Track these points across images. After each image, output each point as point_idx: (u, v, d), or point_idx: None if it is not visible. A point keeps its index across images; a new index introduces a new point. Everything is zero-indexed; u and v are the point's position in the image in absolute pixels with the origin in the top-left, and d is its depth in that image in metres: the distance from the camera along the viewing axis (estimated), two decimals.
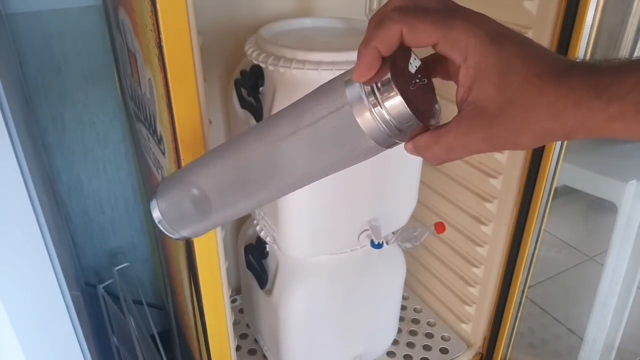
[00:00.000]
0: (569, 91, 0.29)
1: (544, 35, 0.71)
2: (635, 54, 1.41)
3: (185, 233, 0.47)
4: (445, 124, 0.33)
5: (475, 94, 0.30)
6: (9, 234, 0.52)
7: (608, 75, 0.28)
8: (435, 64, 0.36)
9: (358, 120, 0.33)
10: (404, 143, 0.35)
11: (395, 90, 0.31)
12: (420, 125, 0.32)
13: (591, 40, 0.69)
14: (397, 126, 0.32)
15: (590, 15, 0.67)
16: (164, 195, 0.47)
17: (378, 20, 0.31)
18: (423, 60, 0.36)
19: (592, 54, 0.70)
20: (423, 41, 0.31)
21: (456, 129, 0.32)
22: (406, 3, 0.31)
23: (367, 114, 0.32)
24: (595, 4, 0.66)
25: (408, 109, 0.31)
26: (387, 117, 0.32)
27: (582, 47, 0.69)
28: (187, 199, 0.44)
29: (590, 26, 0.68)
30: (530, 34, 0.73)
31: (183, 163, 0.57)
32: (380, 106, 0.32)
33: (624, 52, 1.41)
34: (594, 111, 0.28)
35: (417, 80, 0.34)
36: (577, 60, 0.31)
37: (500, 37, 0.30)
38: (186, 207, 0.44)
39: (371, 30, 0.31)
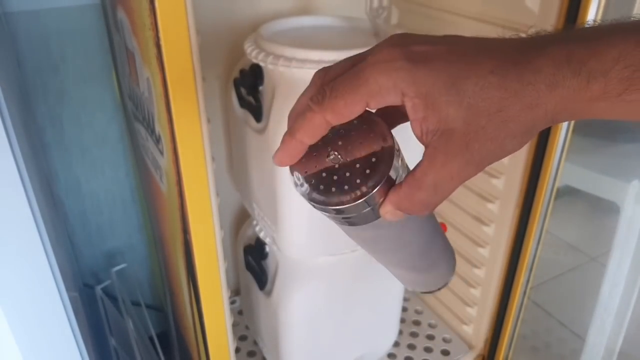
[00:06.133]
0: (535, 75, 0.26)
1: None
2: None
3: None
4: (417, 167, 0.29)
5: (434, 120, 0.27)
6: (6, 234, 0.51)
7: (582, 48, 0.25)
8: (388, 118, 0.32)
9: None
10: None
11: (305, 185, 0.29)
12: (355, 198, 0.28)
13: None
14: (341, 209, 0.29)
15: (593, 13, 0.66)
16: None
17: (300, 112, 0.29)
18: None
19: None
20: (353, 113, 0.28)
21: (432, 164, 0.28)
22: (321, 84, 0.29)
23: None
24: (597, 1, 0.66)
25: (326, 200, 0.28)
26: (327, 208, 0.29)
27: None
28: None
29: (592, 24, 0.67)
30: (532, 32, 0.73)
31: (182, 163, 0.56)
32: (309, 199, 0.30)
33: None
34: (573, 91, 0.25)
35: (337, 154, 0.29)
36: (537, 34, 0.28)
37: (425, 55, 0.27)
38: None
39: (294, 121, 0.29)
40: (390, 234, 0.34)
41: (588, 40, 0.26)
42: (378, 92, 0.27)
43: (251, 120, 0.74)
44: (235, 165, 0.93)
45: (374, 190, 0.28)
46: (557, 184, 0.80)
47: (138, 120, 0.76)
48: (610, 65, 0.25)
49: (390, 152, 0.28)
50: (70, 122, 0.95)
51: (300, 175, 0.30)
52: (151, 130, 0.67)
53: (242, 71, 0.75)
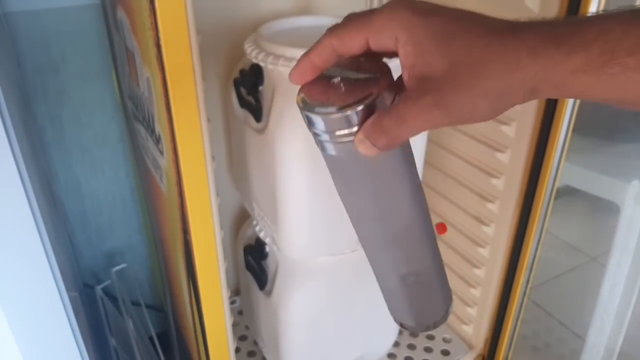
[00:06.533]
0: (520, 43, 0.28)
1: None
2: None
3: None
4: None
5: (419, 68, 0.30)
6: (6, 234, 0.51)
7: (567, 28, 0.27)
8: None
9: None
10: None
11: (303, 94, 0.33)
12: (341, 112, 0.32)
13: None
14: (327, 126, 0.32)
15: (593, 12, 0.66)
16: None
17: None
18: None
19: None
20: (354, 44, 0.33)
21: (405, 99, 0.31)
22: (340, 22, 0.34)
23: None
24: (597, 1, 0.66)
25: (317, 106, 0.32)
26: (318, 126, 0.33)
27: None
28: None
29: None
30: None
31: (182, 163, 0.56)
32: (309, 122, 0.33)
33: None
34: (555, 62, 0.27)
35: (340, 82, 0.34)
36: (529, 20, 0.30)
37: (426, 11, 0.30)
38: None
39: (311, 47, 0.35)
40: (369, 185, 0.36)
41: (574, 23, 0.27)
42: (376, 32, 0.31)
43: (251, 120, 0.74)
44: (235, 165, 0.93)
45: (356, 109, 0.31)
46: (557, 184, 0.80)
47: (138, 120, 0.76)
48: (591, 40, 0.26)
49: (382, 93, 0.32)
50: (70, 122, 0.95)
51: (303, 93, 0.34)
52: (151, 130, 0.67)
53: (242, 71, 0.75)
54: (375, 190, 0.37)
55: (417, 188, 0.38)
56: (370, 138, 0.31)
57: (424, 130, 0.31)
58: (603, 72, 0.26)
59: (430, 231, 0.40)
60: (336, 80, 0.33)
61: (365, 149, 0.32)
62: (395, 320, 0.46)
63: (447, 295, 0.44)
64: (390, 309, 0.46)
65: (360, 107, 0.31)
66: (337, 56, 0.34)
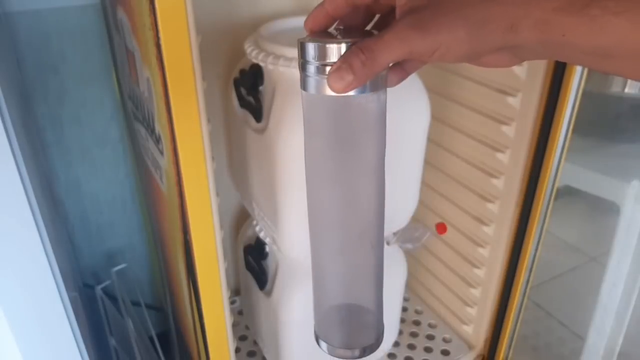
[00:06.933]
0: None
1: None
2: None
3: None
4: None
5: (410, 3, 0.32)
6: (7, 234, 0.51)
7: None
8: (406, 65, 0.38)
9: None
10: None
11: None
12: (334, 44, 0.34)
13: None
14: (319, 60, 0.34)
15: None
16: None
17: None
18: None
19: None
20: None
21: (387, 28, 0.32)
22: None
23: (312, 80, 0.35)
24: None
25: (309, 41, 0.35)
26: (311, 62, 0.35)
27: None
28: None
29: None
30: None
31: (182, 163, 0.56)
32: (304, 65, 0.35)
33: None
34: None
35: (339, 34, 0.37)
36: None
37: None
38: None
39: None
40: (336, 149, 0.39)
41: None
42: None
43: (251, 120, 0.74)
44: (235, 165, 0.93)
45: (345, 43, 0.33)
46: (557, 184, 0.80)
47: (138, 120, 0.76)
48: None
49: None
50: (70, 122, 0.95)
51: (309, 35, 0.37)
52: (151, 130, 0.67)
53: (242, 71, 0.75)
54: (341, 158, 0.39)
55: (380, 179, 0.40)
56: (346, 61, 0.32)
57: (399, 54, 0.32)
58: (584, 13, 0.26)
59: (381, 238, 0.42)
60: (339, 30, 0.37)
61: (336, 77, 0.33)
62: (318, 336, 0.45)
63: (380, 322, 0.44)
64: (316, 322, 0.45)
65: (350, 43, 0.33)
66: (349, 4, 0.36)
